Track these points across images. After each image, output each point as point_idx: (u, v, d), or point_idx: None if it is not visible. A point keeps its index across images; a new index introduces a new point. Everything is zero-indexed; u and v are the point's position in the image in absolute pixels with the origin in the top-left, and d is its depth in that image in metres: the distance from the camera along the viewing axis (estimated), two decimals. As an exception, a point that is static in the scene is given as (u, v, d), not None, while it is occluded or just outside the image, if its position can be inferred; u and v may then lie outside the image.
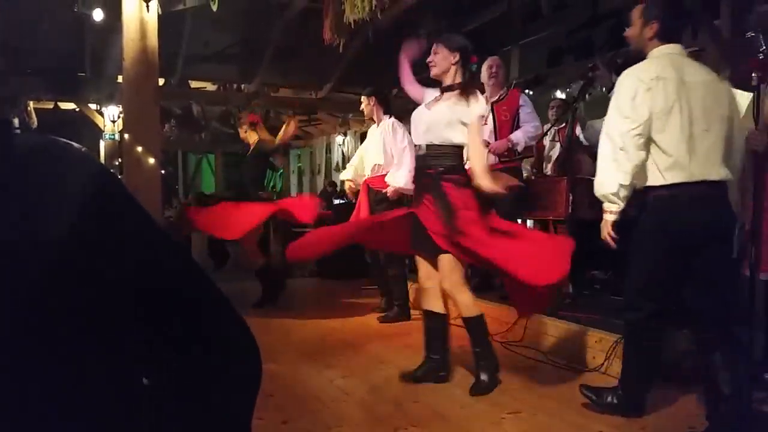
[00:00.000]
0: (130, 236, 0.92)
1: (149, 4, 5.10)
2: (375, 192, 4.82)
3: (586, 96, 4.42)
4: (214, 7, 5.21)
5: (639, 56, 3.71)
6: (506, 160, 4.47)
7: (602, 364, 3.32)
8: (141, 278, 0.91)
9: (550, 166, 5.31)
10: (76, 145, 0.92)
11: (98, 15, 6.07)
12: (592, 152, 5.64)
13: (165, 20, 5.38)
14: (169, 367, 0.95)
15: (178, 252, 1.04)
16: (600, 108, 6.70)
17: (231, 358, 1.05)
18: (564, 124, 5.29)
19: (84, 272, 0.85)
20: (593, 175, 4.95)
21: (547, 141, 5.49)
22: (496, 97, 4.60)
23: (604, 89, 3.90)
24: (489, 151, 4.44)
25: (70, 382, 0.84)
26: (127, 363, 0.89)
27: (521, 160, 4.71)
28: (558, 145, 4.94)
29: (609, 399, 2.69)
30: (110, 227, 0.89)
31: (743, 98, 2.81)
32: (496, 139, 4.47)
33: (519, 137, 4.43)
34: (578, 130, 4.92)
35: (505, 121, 4.52)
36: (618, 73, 3.64)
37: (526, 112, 4.53)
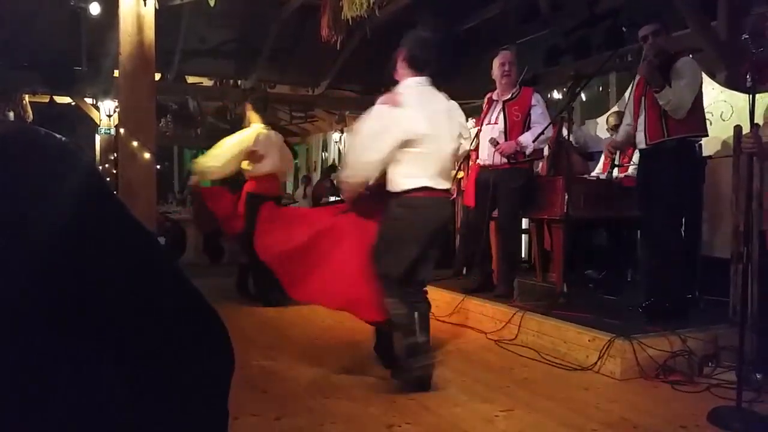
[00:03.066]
0: (104, 228, 0.92)
1: (146, -2, 5.08)
2: None
3: (579, 96, 4.39)
4: (212, 3, 5.20)
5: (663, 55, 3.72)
6: (514, 162, 4.29)
7: (595, 362, 3.33)
8: (111, 269, 0.91)
9: (541, 165, 5.31)
10: (56, 135, 0.91)
11: (95, 9, 6.06)
12: (581, 152, 5.69)
13: (161, 15, 5.36)
14: (141, 360, 0.95)
15: (149, 243, 1.04)
16: (595, 108, 6.75)
17: (202, 349, 1.05)
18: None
19: (54, 264, 0.85)
20: (585, 174, 4.99)
21: None
22: (508, 96, 4.39)
23: (654, 88, 3.77)
24: (496, 151, 4.29)
25: (44, 377, 0.84)
26: (99, 357, 0.89)
27: (531, 162, 4.53)
28: (546, 146, 4.92)
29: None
30: (85, 219, 0.89)
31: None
32: (506, 140, 4.29)
33: (528, 140, 4.22)
34: (565, 132, 4.91)
35: (516, 122, 4.32)
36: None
37: (538, 113, 4.32)
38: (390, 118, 2.95)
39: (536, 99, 4.39)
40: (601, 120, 5.88)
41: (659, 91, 3.63)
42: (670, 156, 3.71)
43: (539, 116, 4.33)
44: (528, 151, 4.30)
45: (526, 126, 4.33)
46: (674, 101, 3.62)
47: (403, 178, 2.97)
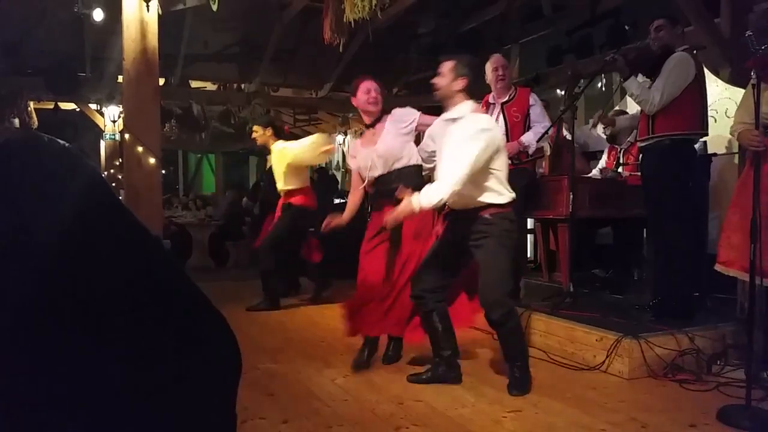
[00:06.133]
0: (107, 232, 0.92)
1: (149, 4, 5.11)
2: None
3: (579, 95, 4.36)
4: (214, 7, 5.22)
5: (654, 51, 3.74)
6: (518, 162, 4.27)
7: (603, 362, 3.32)
8: (117, 272, 0.91)
9: (544, 164, 5.30)
10: (60, 141, 0.92)
11: (98, 15, 6.08)
12: (581, 152, 5.67)
13: (165, 20, 5.39)
14: (142, 362, 0.95)
15: (154, 246, 1.04)
16: (599, 107, 6.73)
17: (206, 351, 1.06)
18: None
19: (57, 266, 0.85)
20: (586, 173, 4.96)
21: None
22: (506, 98, 4.39)
23: (620, 79, 3.83)
24: None
25: (46, 377, 0.84)
26: (101, 358, 0.89)
27: (533, 162, 4.55)
28: (547, 144, 4.90)
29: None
30: (88, 222, 0.89)
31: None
32: (508, 141, 4.20)
33: (530, 139, 4.23)
34: (565, 131, 4.90)
35: (516, 123, 4.32)
36: (631, 69, 3.68)
37: (536, 112, 4.34)
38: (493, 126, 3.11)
39: (534, 99, 4.42)
40: (604, 118, 5.86)
41: (623, 82, 3.70)
42: (658, 154, 3.69)
43: (538, 115, 4.36)
44: (531, 150, 4.32)
45: (526, 126, 4.34)
46: (639, 95, 3.63)
47: (496, 194, 3.02)
